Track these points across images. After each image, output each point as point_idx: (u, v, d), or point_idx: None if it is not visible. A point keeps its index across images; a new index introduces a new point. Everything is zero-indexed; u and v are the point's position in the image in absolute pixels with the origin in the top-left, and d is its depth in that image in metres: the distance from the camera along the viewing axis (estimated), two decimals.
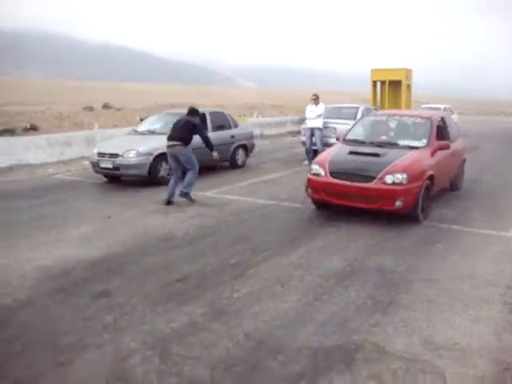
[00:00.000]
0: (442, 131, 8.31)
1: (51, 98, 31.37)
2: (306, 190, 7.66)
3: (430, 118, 8.25)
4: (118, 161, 9.83)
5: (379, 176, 6.83)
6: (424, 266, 5.40)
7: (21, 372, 3.37)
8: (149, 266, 5.34)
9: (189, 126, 8.63)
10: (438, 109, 22.62)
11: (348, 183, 6.98)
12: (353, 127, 8.96)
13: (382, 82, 25.48)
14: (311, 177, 7.53)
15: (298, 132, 18.97)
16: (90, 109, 25.81)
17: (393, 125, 8.59)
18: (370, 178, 6.88)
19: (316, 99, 13.19)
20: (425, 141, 7.75)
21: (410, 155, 7.27)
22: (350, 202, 7.05)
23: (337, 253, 5.78)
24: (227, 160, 12.14)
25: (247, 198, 8.73)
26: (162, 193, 8.76)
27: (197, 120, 8.82)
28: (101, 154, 10.20)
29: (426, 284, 4.88)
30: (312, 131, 13.29)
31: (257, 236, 6.50)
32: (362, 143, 8.04)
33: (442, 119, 8.77)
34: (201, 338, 3.78)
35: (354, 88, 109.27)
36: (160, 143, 9.91)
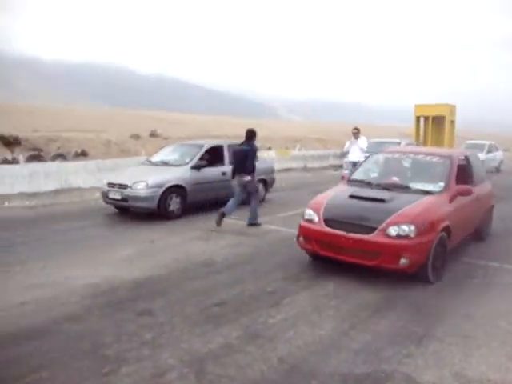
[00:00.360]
0: (464, 173, 7.21)
1: (102, 126, 32.62)
2: (297, 239, 6.68)
3: (449, 157, 7.07)
4: (127, 192, 9.49)
5: (381, 227, 5.72)
6: (460, 301, 5.39)
7: (68, 377, 3.61)
8: (189, 290, 5.54)
9: (242, 154, 9.06)
10: (483, 145, 22.27)
11: (343, 234, 5.90)
12: (360, 165, 8.00)
13: (426, 118, 25.40)
14: (303, 223, 6.51)
15: (340, 166, 19.06)
16: (137, 137, 26.70)
17: (406, 164, 7.49)
18: (370, 229, 5.78)
19: (357, 133, 13.30)
20: (442, 184, 6.59)
21: (422, 202, 6.16)
22: (345, 256, 5.97)
23: (373, 285, 5.83)
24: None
25: (286, 229, 8.86)
26: (203, 220, 9.09)
27: (250, 145, 9.15)
28: (110, 185, 9.91)
29: (462, 319, 4.89)
30: (354, 165, 13.37)
31: (294, 265, 6.61)
32: (368, 185, 6.97)
33: (466, 158, 7.61)
34: (236, 359, 3.92)
35: (392, 122, 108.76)
36: (172, 175, 9.87)
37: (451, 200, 6.45)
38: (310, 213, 6.43)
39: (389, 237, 5.66)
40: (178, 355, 3.94)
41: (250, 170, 9.02)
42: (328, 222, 6.15)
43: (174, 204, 9.78)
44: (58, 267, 6.36)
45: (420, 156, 7.50)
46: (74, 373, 3.68)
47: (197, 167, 10.20)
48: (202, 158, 10.40)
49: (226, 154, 10.96)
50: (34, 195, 11.65)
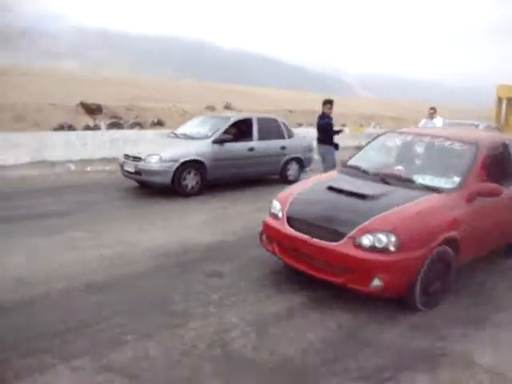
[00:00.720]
0: (498, 166, 5.43)
1: (178, 97, 33.45)
2: (260, 238, 5.38)
3: (475, 144, 5.27)
4: (140, 165, 8.86)
5: (351, 233, 4.28)
6: None
7: (139, 325, 3.97)
8: (257, 256, 5.77)
9: (321, 127, 9.62)
10: None
11: (305, 238, 4.56)
12: (363, 149, 6.38)
13: (509, 100, 24.15)
14: (267, 219, 5.21)
15: None
16: (212, 109, 27.21)
17: (419, 150, 5.86)
18: (338, 235, 4.35)
19: (433, 113, 12.92)
20: (457, 180, 4.91)
21: (420, 202, 4.56)
22: (306, 266, 4.65)
23: None
24: (276, 173, 10.84)
25: None
26: (273, 192, 9.26)
27: (324, 118, 9.57)
28: (126, 156, 9.33)
29: None
30: None
31: None
32: (364, 174, 5.44)
33: (504, 146, 5.70)
34: (296, 323, 4.15)
35: (472, 104, 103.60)
36: (190, 149, 9.14)
37: (469, 201, 4.78)
38: (275, 205, 5.15)
39: (360, 248, 4.23)
40: (241, 315, 4.20)
41: (326, 141, 9.50)
42: (291, 220, 4.85)
43: (191, 180, 9.09)
44: (139, 229, 6.78)
45: (438, 140, 5.65)
46: (144, 322, 4.04)
47: (219, 141, 9.43)
48: (226, 132, 9.67)
49: (256, 129, 10.21)
50: (114, 160, 12.31)
